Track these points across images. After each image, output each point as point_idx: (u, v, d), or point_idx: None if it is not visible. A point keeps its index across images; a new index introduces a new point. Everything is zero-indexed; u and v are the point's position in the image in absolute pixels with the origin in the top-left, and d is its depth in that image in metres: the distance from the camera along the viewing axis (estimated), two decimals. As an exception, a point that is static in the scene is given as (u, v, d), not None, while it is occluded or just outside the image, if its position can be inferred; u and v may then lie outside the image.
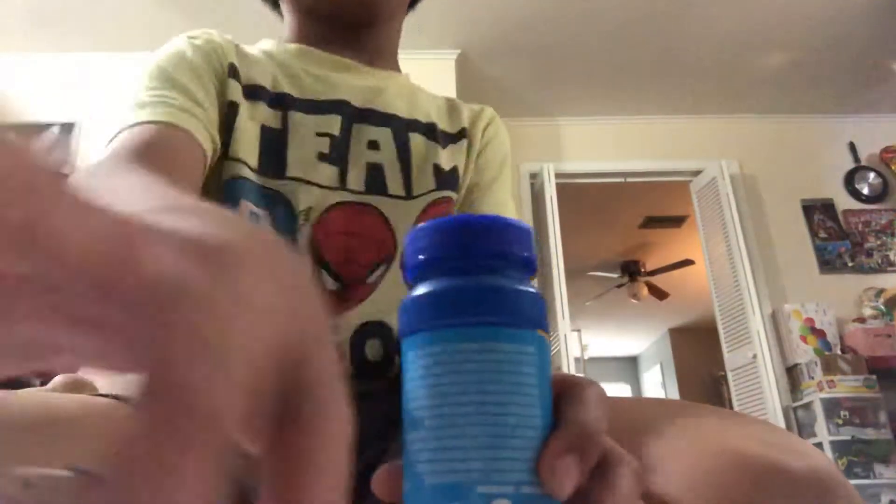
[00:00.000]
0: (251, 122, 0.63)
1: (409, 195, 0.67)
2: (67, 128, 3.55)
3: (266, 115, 0.65)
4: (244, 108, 0.63)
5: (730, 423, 0.41)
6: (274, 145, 0.63)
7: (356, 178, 0.65)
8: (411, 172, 0.68)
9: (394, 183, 0.67)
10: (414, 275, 0.27)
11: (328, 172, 0.64)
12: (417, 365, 0.24)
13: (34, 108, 3.62)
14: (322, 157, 0.64)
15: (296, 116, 0.65)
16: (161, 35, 3.38)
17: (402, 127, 0.71)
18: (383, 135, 0.69)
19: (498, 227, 0.26)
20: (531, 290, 0.25)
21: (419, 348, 0.24)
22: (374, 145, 0.68)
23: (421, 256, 0.26)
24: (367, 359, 0.58)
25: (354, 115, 0.68)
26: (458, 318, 0.24)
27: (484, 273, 0.25)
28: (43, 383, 1.83)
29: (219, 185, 0.61)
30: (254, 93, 0.65)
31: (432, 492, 0.22)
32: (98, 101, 3.61)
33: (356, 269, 0.61)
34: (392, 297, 0.60)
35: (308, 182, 0.62)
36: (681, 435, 0.39)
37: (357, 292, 0.60)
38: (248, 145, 0.62)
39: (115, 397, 0.49)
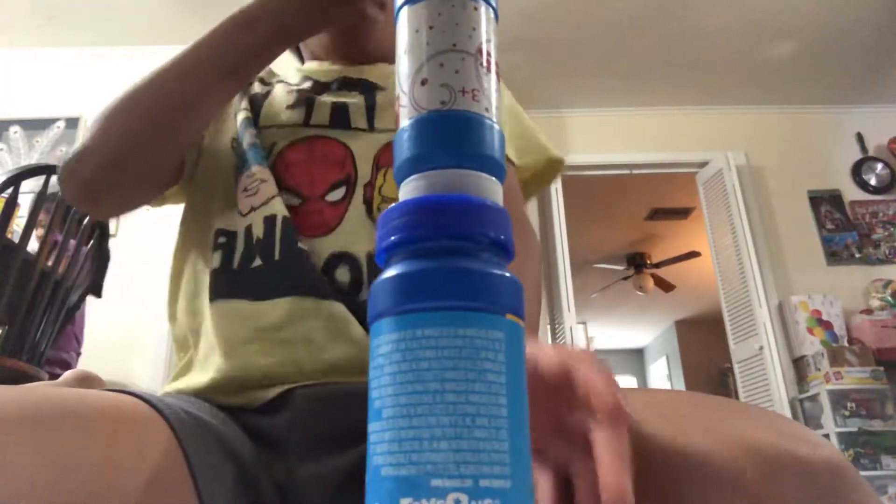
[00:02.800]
0: (244, 100, 0.76)
1: (371, 129, 0.70)
2: (73, 122, 3.56)
3: (256, 88, 0.77)
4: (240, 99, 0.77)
5: (741, 412, 0.41)
6: (255, 107, 0.74)
7: (320, 117, 0.71)
8: (375, 111, 0.72)
9: (357, 118, 0.71)
10: (383, 257, 0.26)
11: (294, 114, 0.71)
12: (379, 352, 0.23)
13: (40, 102, 3.63)
14: (289, 107, 0.72)
15: (276, 87, 0.77)
16: (166, 28, 3.41)
17: (371, 86, 0.77)
18: (354, 88, 0.76)
19: (466, 209, 0.24)
20: (501, 273, 0.24)
21: (382, 335, 0.23)
22: (342, 94, 0.74)
23: (388, 239, 0.25)
24: (339, 282, 0.61)
25: (328, 83, 0.77)
26: (417, 302, 0.23)
27: (450, 255, 0.24)
28: (51, 377, 1.84)
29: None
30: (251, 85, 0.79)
31: (387, 484, 0.21)
32: (104, 96, 3.62)
33: (317, 188, 0.66)
34: (355, 230, 0.63)
35: (275, 126, 0.71)
36: (692, 425, 0.39)
37: (319, 213, 0.65)
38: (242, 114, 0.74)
39: (122, 391, 0.49)
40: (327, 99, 0.72)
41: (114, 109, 0.63)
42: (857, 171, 4.11)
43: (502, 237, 0.25)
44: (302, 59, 0.88)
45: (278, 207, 0.63)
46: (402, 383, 0.22)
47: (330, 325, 0.58)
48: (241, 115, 0.72)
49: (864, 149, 4.15)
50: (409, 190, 0.26)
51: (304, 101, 0.72)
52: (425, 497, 0.20)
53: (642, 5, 3.42)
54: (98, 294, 1.89)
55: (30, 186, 1.66)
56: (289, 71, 0.83)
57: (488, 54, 0.27)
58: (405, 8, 0.28)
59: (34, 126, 3.55)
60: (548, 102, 4.14)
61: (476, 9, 0.28)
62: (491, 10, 0.29)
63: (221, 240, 0.65)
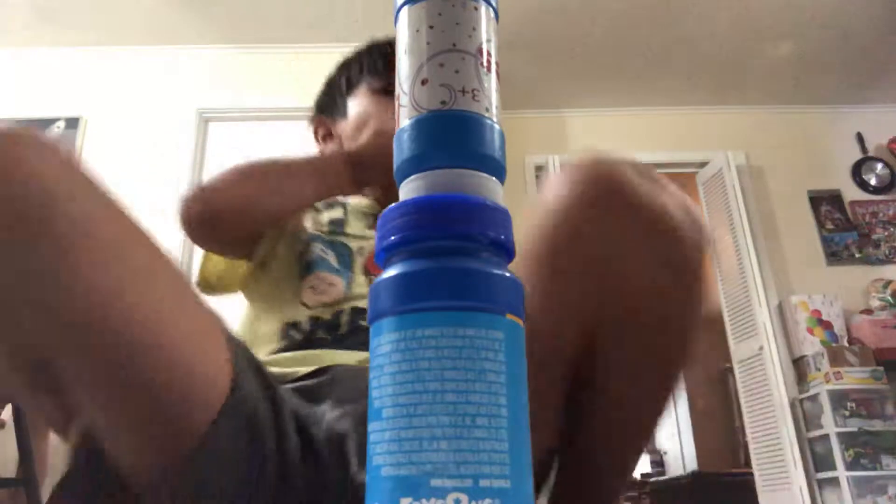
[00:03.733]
0: (324, 217, 0.98)
1: None
2: (73, 122, 3.56)
3: (332, 212, 1.00)
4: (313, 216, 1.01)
5: None
6: (338, 223, 0.97)
7: None
8: None
9: None
10: (383, 257, 0.25)
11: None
12: (379, 352, 0.23)
13: (39, 103, 3.62)
14: (370, 226, 0.98)
15: (349, 210, 1.00)
16: (166, 28, 3.38)
17: None
18: None
19: (465, 208, 0.24)
20: (501, 273, 0.24)
21: (382, 334, 0.23)
22: None
23: (388, 238, 0.25)
24: None
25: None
26: (417, 302, 0.23)
27: (450, 255, 0.23)
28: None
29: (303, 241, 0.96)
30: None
31: (387, 484, 0.21)
32: (103, 96, 3.62)
33: None
34: None
35: (361, 237, 0.95)
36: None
37: None
38: (319, 226, 0.96)
39: None
40: None
41: (239, 172, 0.86)
42: (857, 171, 4.10)
43: (502, 237, 0.24)
44: None
45: (346, 306, 0.85)
46: (402, 383, 0.22)
47: None
48: (311, 232, 0.93)
49: (864, 149, 4.14)
50: (409, 190, 0.26)
51: None
52: (425, 497, 0.20)
53: (642, 6, 3.42)
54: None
55: (30, 186, 1.66)
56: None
57: (488, 54, 0.27)
58: (405, 8, 0.28)
59: (34, 126, 3.54)
60: (548, 102, 4.14)
61: (476, 9, 0.28)
62: (491, 10, 0.29)
63: (292, 333, 0.84)
